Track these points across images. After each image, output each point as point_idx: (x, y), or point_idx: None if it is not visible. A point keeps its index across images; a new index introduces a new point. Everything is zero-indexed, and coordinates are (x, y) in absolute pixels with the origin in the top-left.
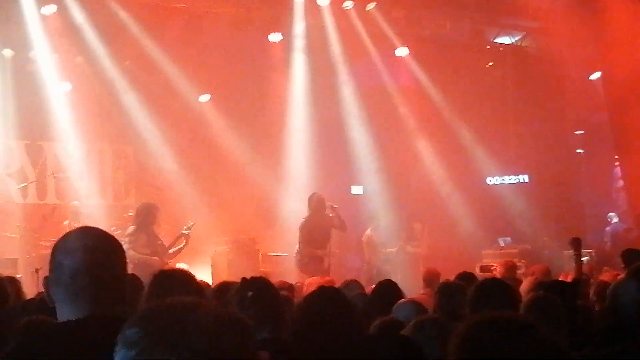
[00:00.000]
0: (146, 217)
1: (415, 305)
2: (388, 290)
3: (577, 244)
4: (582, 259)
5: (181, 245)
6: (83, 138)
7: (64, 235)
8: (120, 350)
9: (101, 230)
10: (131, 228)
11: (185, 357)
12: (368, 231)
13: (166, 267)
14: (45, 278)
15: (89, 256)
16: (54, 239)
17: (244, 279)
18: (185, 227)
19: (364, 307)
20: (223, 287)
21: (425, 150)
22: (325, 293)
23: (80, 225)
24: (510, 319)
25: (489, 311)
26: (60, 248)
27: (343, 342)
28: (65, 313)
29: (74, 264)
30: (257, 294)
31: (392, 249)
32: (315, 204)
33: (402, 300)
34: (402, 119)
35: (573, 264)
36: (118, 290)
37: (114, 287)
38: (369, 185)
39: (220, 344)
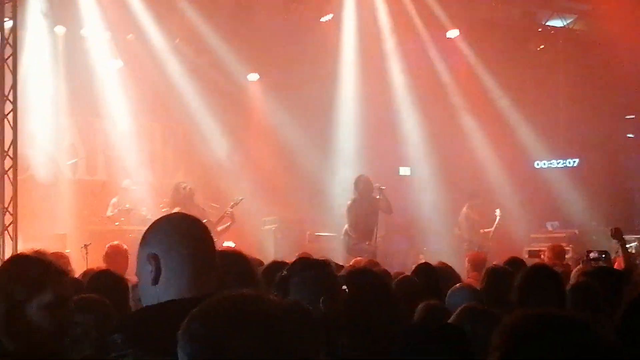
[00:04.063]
0: (175, 196)
1: (472, 291)
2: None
3: (619, 234)
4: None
5: (227, 224)
6: (133, 115)
7: (164, 219)
8: (184, 345)
9: (195, 217)
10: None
11: (253, 353)
12: (465, 209)
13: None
14: (155, 257)
15: (196, 241)
16: (103, 216)
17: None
18: (232, 203)
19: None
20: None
21: (474, 133)
22: (358, 276)
23: (128, 203)
24: (563, 316)
25: (539, 307)
26: (170, 230)
27: (381, 328)
28: (160, 293)
29: (181, 249)
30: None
31: (490, 229)
32: (363, 185)
33: (457, 285)
34: (451, 101)
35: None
36: (213, 271)
37: (211, 270)
38: (416, 167)
39: (289, 339)
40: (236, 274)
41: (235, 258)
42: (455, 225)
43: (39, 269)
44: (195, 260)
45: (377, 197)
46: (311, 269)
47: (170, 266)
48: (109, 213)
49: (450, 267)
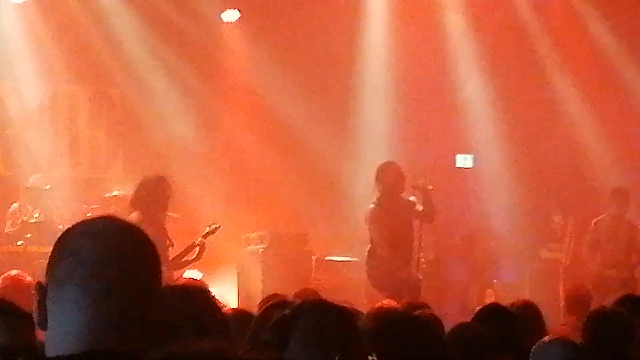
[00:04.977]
0: (152, 203)
1: (569, 347)
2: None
3: None
4: None
5: (192, 257)
6: (45, 76)
7: (68, 232)
8: None
9: (127, 225)
10: (134, 216)
11: None
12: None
13: (171, 281)
14: (40, 289)
15: (111, 265)
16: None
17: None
18: (205, 231)
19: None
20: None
21: (572, 104)
22: (388, 325)
23: (37, 212)
24: None
25: None
26: (65, 251)
27: None
28: (57, 343)
29: (78, 276)
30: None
31: None
32: (391, 179)
33: (547, 339)
34: (540, 62)
35: None
36: (145, 315)
37: (140, 312)
38: (482, 155)
39: None
40: (193, 319)
41: (193, 295)
42: (543, 246)
43: None
44: (103, 293)
45: (411, 198)
46: (323, 314)
47: (59, 302)
48: (7, 228)
49: (535, 309)
